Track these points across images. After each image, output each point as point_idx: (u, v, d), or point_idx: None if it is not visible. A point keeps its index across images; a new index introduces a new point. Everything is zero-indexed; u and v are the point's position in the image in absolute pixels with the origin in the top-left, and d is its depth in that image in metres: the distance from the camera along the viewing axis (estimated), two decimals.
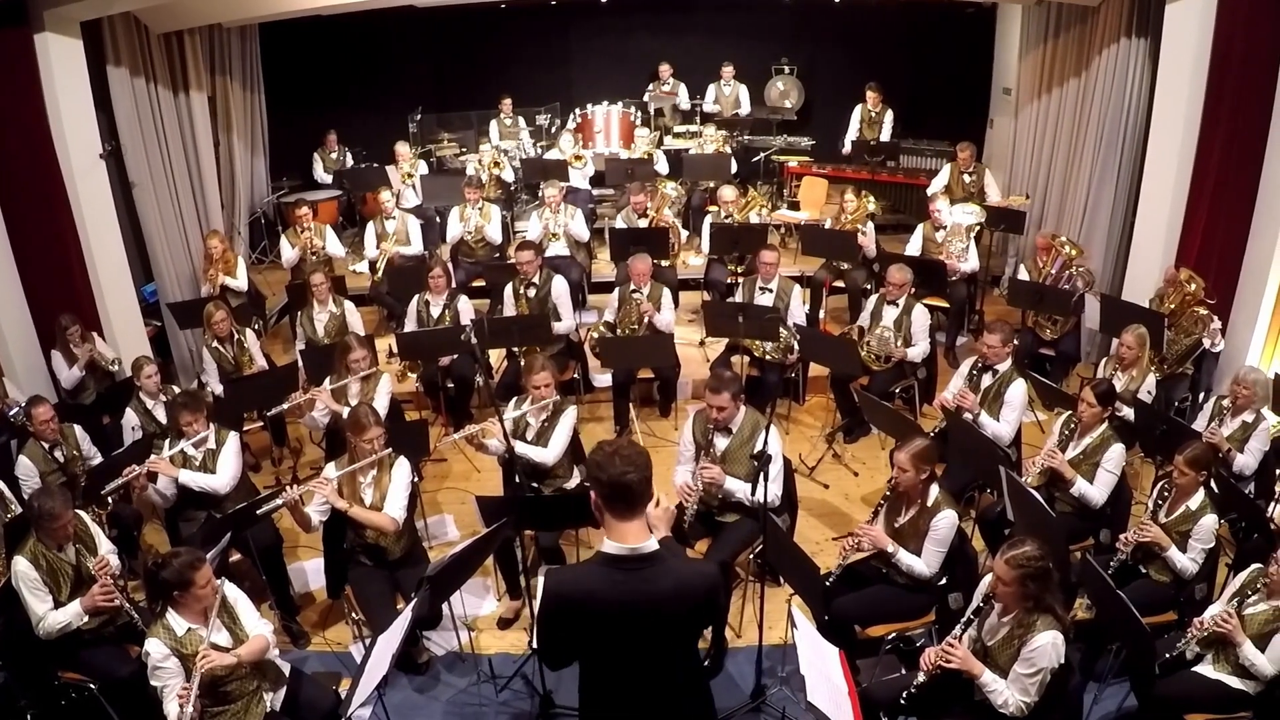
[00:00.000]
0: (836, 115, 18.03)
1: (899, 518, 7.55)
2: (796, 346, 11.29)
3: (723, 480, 8.08)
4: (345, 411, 9.30)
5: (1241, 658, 6.60)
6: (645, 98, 18.93)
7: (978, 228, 13.50)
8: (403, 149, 16.62)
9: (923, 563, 7.37)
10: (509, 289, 12.16)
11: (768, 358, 11.54)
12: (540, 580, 6.63)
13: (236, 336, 11.40)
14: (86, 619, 7.11)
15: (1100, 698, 7.65)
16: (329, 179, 17.77)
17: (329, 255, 13.81)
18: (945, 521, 7.29)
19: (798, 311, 11.80)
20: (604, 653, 4.84)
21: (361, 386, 10.17)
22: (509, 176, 16.67)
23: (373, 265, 14.17)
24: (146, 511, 9.77)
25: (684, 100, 18.86)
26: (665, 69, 18.91)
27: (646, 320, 11.72)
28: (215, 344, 11.30)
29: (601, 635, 4.73)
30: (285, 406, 10.20)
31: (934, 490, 7.41)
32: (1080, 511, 8.46)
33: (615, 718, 5.03)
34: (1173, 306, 10.88)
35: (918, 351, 11.15)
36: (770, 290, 11.82)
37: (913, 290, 11.37)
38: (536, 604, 5.18)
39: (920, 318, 11.19)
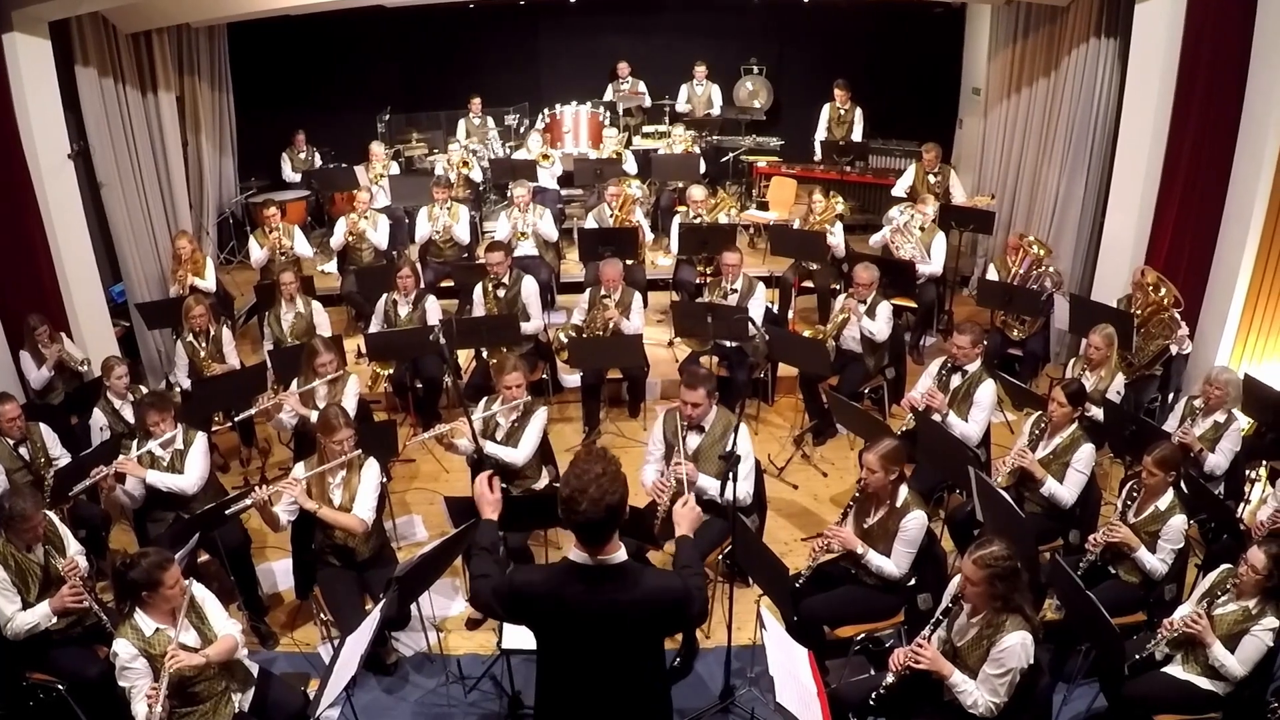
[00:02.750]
0: (805, 115, 18.07)
1: (868, 519, 7.56)
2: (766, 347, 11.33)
3: (695, 476, 8.06)
4: (314, 415, 9.32)
5: (1211, 658, 6.64)
6: (607, 96, 18.94)
7: (923, 227, 13.44)
8: (377, 149, 16.60)
9: (892, 563, 7.38)
10: (478, 289, 12.16)
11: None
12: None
13: (212, 333, 11.38)
14: (55, 620, 7.10)
15: (1070, 698, 7.68)
16: (297, 178, 17.75)
17: (297, 255, 13.76)
18: (915, 522, 7.30)
19: (757, 309, 11.74)
20: (564, 656, 4.87)
21: (329, 389, 10.14)
22: (477, 176, 16.67)
23: (344, 249, 14.37)
24: (115, 512, 9.74)
25: (645, 98, 18.89)
26: (624, 67, 18.92)
27: (612, 326, 11.72)
28: (190, 338, 11.28)
29: (561, 640, 4.76)
30: (253, 411, 10.18)
31: (903, 491, 7.42)
32: (1049, 512, 8.49)
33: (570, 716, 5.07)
34: (1140, 312, 10.91)
35: (876, 329, 11.15)
36: (737, 290, 11.84)
37: (881, 290, 11.37)
38: None
39: (884, 308, 11.23)
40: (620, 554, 4.64)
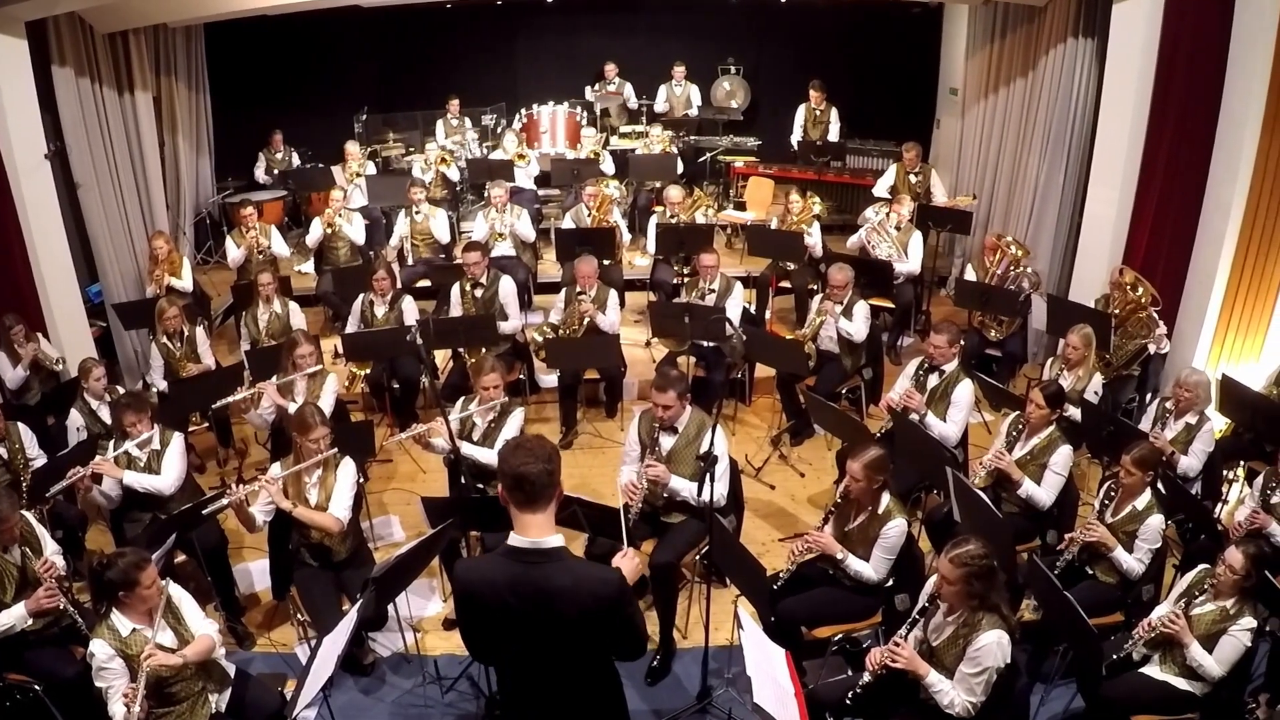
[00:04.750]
0: (783, 115, 18.13)
1: (849, 523, 7.58)
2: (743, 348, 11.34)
3: (667, 478, 8.07)
4: (291, 407, 9.34)
5: (1189, 659, 6.68)
6: (589, 96, 18.96)
7: (899, 226, 13.43)
8: (352, 148, 16.56)
9: (871, 568, 7.39)
10: (455, 289, 12.16)
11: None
12: None
13: (187, 333, 11.35)
14: (30, 621, 7.07)
15: (1047, 699, 7.71)
16: (268, 180, 17.75)
17: (274, 255, 13.76)
18: (896, 530, 7.31)
19: (734, 309, 11.75)
20: (509, 648, 4.91)
21: (308, 384, 10.17)
22: (454, 176, 16.69)
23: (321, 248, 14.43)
24: (92, 513, 9.74)
25: (631, 99, 18.91)
26: (611, 68, 18.96)
27: (587, 322, 11.73)
28: (165, 340, 11.25)
29: (501, 629, 4.78)
30: (231, 400, 10.14)
31: (885, 497, 7.42)
32: (1027, 512, 8.50)
33: (523, 717, 5.11)
34: (1118, 311, 10.94)
35: (854, 329, 11.14)
36: (714, 290, 11.85)
37: (858, 290, 11.38)
38: None
39: (861, 308, 11.22)
40: (556, 539, 4.66)
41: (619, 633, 4.84)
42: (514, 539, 4.66)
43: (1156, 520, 7.51)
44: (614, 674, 5.13)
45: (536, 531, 4.62)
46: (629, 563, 5.00)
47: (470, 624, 4.96)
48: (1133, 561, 7.54)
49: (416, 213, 14.26)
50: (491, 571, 4.72)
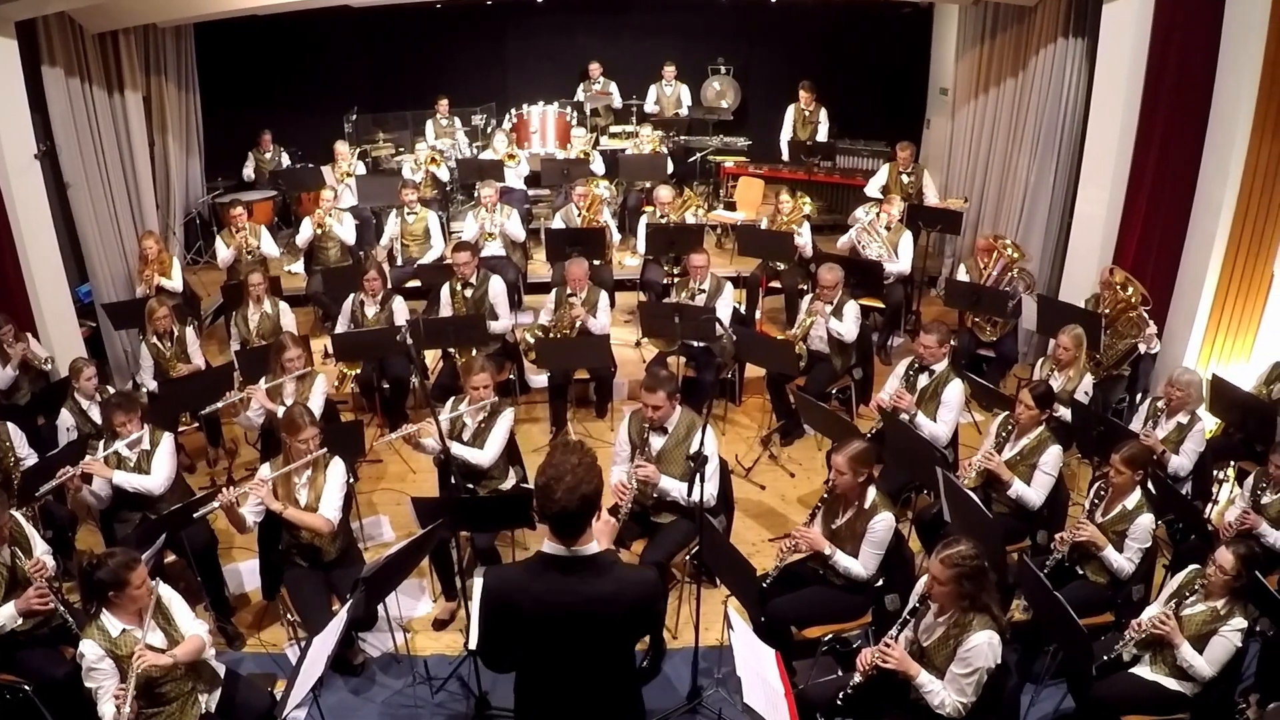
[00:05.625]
0: (773, 115, 18.07)
1: (836, 520, 7.58)
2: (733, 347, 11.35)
3: (657, 478, 8.10)
4: (280, 411, 9.33)
5: (1179, 659, 6.69)
6: (578, 97, 18.96)
7: (889, 226, 13.43)
8: (342, 148, 16.57)
9: (860, 564, 7.40)
10: (445, 289, 12.17)
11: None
12: (476, 581, 6.59)
13: (176, 333, 11.34)
14: (20, 621, 7.06)
15: (1038, 699, 7.71)
16: (253, 177, 17.80)
17: (264, 255, 13.75)
18: (883, 524, 7.31)
19: (724, 309, 11.76)
20: (541, 654, 4.85)
21: (297, 386, 10.16)
22: (444, 176, 16.70)
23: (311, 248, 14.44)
24: (81, 513, 9.71)
25: (617, 99, 18.92)
26: (595, 68, 18.99)
27: (579, 325, 11.73)
28: (154, 339, 11.24)
29: (539, 636, 4.74)
30: (220, 405, 10.15)
31: (871, 492, 7.43)
32: (1017, 512, 8.50)
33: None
34: (1108, 310, 10.95)
35: (844, 329, 11.16)
36: (705, 291, 11.86)
37: (848, 290, 11.38)
38: (473, 605, 5.19)
39: (851, 308, 11.22)
40: (594, 545, 4.63)
41: (652, 626, 4.87)
42: (550, 546, 4.64)
43: (1146, 520, 7.50)
44: (635, 669, 5.14)
45: (576, 541, 4.62)
46: (606, 525, 5.01)
47: (499, 634, 4.86)
48: (1123, 561, 7.54)
49: (410, 213, 14.28)
50: (529, 582, 4.70)
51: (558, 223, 14.30)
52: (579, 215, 14.22)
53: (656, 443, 8.31)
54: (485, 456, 8.90)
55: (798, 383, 11.27)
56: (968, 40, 14.89)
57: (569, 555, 4.59)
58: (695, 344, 11.72)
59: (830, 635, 7.63)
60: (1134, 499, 7.59)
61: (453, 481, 8.60)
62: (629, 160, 16.47)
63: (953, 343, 10.37)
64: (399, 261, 14.38)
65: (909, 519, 9.25)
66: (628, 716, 5.18)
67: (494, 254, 14.00)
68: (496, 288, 12.04)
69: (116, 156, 13.21)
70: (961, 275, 12.72)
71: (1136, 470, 7.58)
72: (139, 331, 11.62)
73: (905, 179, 14.95)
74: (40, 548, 7.52)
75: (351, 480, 8.68)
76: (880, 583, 7.53)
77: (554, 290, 12.23)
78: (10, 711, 7.34)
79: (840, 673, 7.40)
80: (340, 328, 12.07)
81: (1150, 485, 8.17)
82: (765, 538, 10.08)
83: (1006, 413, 8.87)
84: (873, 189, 15.17)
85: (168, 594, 6.64)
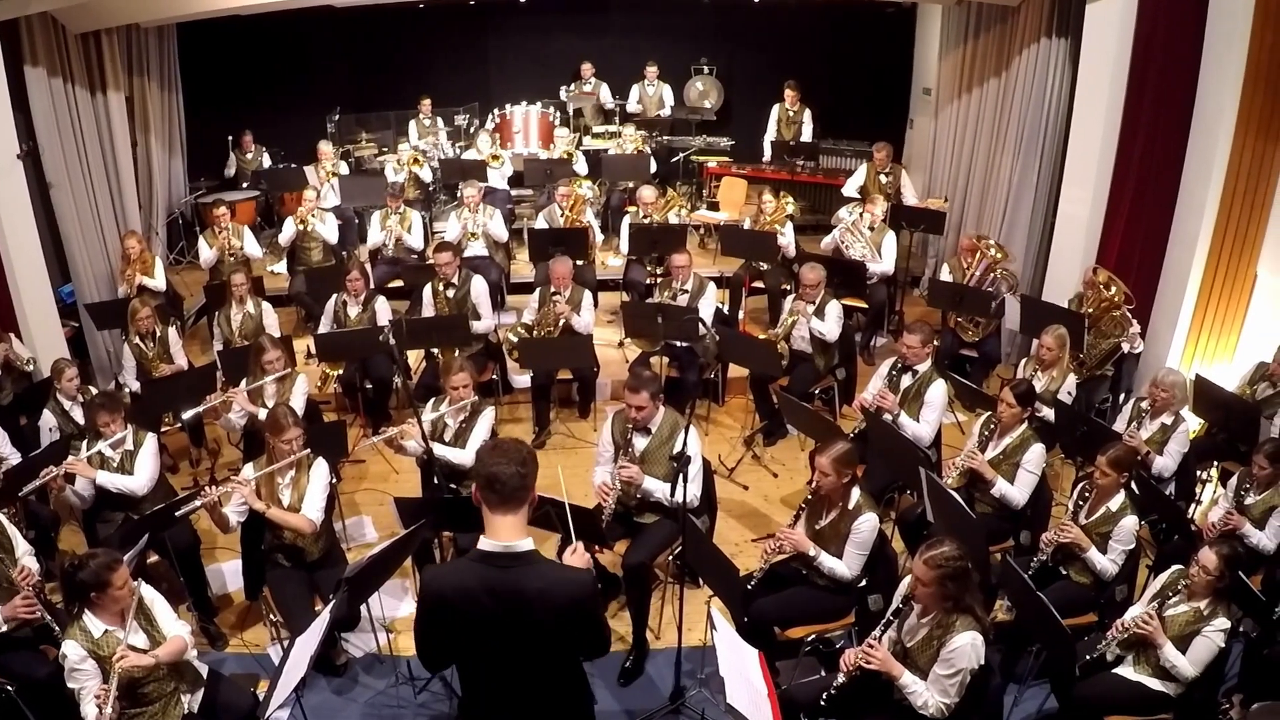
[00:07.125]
0: (756, 115, 18.13)
1: (820, 520, 7.56)
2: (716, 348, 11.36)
3: (640, 479, 8.08)
4: (262, 413, 9.34)
5: (1162, 659, 6.70)
6: (563, 96, 18.94)
7: (872, 226, 13.44)
8: (325, 148, 16.56)
9: (844, 565, 7.39)
10: (428, 290, 12.15)
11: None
12: None
13: (159, 334, 11.32)
14: (4, 626, 7.06)
15: (1021, 699, 7.72)
16: (231, 175, 17.81)
17: (247, 256, 13.73)
18: (867, 524, 7.30)
19: (707, 309, 11.76)
20: (477, 654, 4.87)
21: (278, 387, 10.14)
22: (427, 176, 16.69)
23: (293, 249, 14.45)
24: (64, 513, 9.70)
25: (607, 100, 18.89)
26: (587, 68, 18.93)
27: (562, 323, 11.73)
28: (137, 340, 11.23)
29: (473, 634, 4.75)
30: (201, 409, 10.13)
31: (855, 493, 7.41)
32: (1000, 512, 8.52)
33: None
34: (1092, 310, 10.97)
35: (826, 329, 11.16)
36: (688, 291, 11.86)
37: (831, 290, 11.38)
38: None
39: (833, 308, 11.23)
40: (526, 542, 4.64)
41: (589, 631, 4.84)
42: (485, 543, 4.64)
43: (1130, 521, 7.51)
44: (581, 674, 5.12)
45: (508, 534, 4.61)
46: (580, 558, 5.02)
47: (434, 630, 4.87)
48: (1106, 562, 7.55)
49: (393, 219, 14.26)
50: (464, 577, 4.69)
51: (541, 223, 14.30)
52: (562, 215, 14.23)
53: (640, 443, 8.28)
54: (467, 456, 8.88)
55: (781, 383, 11.28)
56: (951, 40, 14.93)
57: (502, 550, 4.60)
58: (678, 344, 11.73)
59: (813, 636, 7.61)
60: (1118, 501, 7.59)
61: (435, 482, 8.62)
62: (612, 160, 16.47)
63: (936, 343, 10.37)
64: (388, 252, 14.38)
65: (892, 519, 9.24)
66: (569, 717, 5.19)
67: (477, 254, 13.97)
68: (479, 288, 12.00)
69: (99, 156, 13.20)
70: (945, 275, 12.73)
71: (1122, 472, 7.59)
72: (121, 332, 11.61)
73: (883, 179, 14.98)
74: (22, 548, 7.53)
75: (334, 480, 8.67)
76: (864, 583, 7.52)
77: (537, 289, 12.22)
78: None
79: (823, 673, 7.39)
80: (323, 328, 12.06)
81: (1134, 486, 8.18)
82: (748, 538, 10.08)
83: (989, 413, 8.89)
84: (850, 189, 15.23)
85: (150, 594, 6.63)
